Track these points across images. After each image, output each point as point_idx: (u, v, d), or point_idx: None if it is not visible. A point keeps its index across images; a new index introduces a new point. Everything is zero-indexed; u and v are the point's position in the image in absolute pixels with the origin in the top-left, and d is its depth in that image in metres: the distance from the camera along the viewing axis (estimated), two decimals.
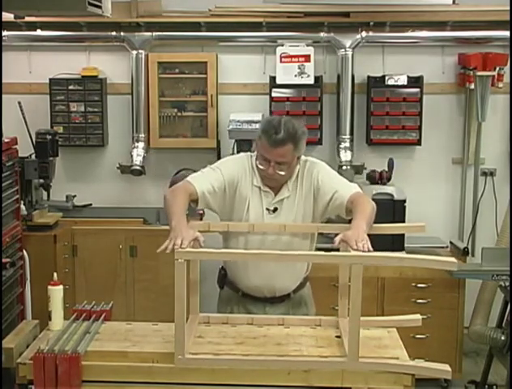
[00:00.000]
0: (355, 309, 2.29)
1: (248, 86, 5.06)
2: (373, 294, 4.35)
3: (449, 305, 4.41)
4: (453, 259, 2.40)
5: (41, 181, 4.43)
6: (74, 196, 4.94)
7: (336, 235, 2.66)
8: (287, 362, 2.35)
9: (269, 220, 2.83)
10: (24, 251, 4.02)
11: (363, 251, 2.39)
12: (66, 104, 4.98)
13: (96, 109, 5.00)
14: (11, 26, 4.76)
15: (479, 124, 4.99)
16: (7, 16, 4.11)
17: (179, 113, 5.02)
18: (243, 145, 4.47)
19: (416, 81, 4.88)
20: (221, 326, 2.65)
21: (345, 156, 4.89)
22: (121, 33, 4.91)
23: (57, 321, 2.58)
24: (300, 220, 2.84)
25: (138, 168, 4.94)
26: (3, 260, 3.60)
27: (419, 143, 4.93)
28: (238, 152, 4.38)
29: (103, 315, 2.64)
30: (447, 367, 2.35)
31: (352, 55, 4.87)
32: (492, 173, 5.11)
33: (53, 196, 4.59)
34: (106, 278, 4.68)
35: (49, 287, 2.58)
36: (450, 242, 4.72)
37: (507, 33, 4.65)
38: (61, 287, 2.59)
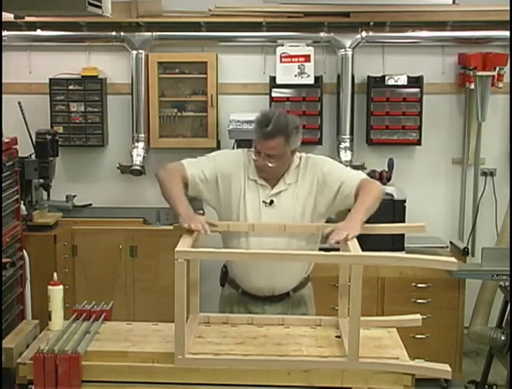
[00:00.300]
0: (355, 309, 2.29)
1: (248, 86, 5.06)
2: (373, 294, 4.35)
3: (449, 305, 4.41)
4: (453, 259, 2.40)
5: (41, 181, 4.43)
6: (74, 196, 4.94)
7: None
8: (287, 362, 2.35)
9: (265, 212, 2.83)
10: (24, 251, 4.02)
11: (336, 242, 2.52)
12: (66, 104, 4.98)
13: (96, 109, 5.00)
14: (11, 26, 4.76)
15: (479, 124, 4.99)
16: (7, 16, 4.11)
17: (179, 113, 5.02)
18: (243, 145, 4.44)
19: (416, 81, 4.88)
20: (221, 326, 2.65)
21: (345, 155, 4.89)
22: (121, 33, 4.91)
23: (57, 321, 2.58)
24: (299, 213, 2.83)
25: (138, 168, 4.94)
26: (3, 260, 3.60)
27: (419, 143, 4.93)
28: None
29: (103, 315, 2.64)
30: (447, 367, 2.35)
31: (352, 55, 4.87)
32: (492, 173, 5.11)
33: (53, 196, 4.59)
34: (106, 278, 4.68)
35: (49, 287, 2.58)
36: (450, 242, 4.72)
37: (507, 33, 4.65)
38: (61, 287, 2.59)
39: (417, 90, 4.87)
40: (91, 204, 5.02)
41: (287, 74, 4.82)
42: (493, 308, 4.49)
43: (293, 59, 4.82)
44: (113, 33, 4.91)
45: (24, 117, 4.59)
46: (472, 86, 4.82)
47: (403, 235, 4.35)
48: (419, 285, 4.38)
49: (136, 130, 5.00)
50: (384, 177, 4.56)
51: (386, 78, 4.88)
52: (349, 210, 2.78)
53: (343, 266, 2.65)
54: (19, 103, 4.65)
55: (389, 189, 4.47)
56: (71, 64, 5.01)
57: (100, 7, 3.24)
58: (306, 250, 2.85)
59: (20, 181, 4.10)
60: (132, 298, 4.71)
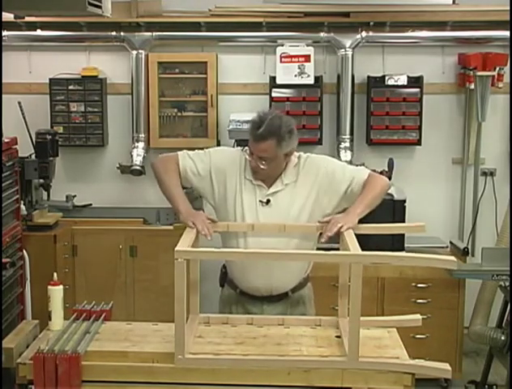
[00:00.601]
0: (355, 309, 2.29)
1: (248, 86, 5.07)
2: (373, 294, 4.35)
3: (449, 305, 4.41)
4: (452, 258, 2.40)
5: (41, 181, 4.43)
6: (74, 196, 4.94)
7: (337, 236, 2.68)
8: (287, 362, 2.35)
9: (262, 211, 2.83)
10: (24, 251, 4.02)
11: (327, 235, 2.62)
12: (66, 104, 4.98)
13: (96, 109, 5.00)
14: (11, 26, 4.76)
15: (479, 124, 4.99)
16: (7, 16, 4.11)
17: (179, 113, 5.02)
18: (243, 145, 4.44)
19: (416, 81, 4.88)
20: (221, 326, 2.65)
21: (345, 155, 4.89)
22: (121, 33, 4.91)
23: (57, 321, 2.58)
24: (297, 213, 2.83)
25: (138, 168, 4.94)
26: (3, 260, 3.60)
27: (419, 143, 4.93)
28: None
29: (103, 315, 2.64)
30: (447, 366, 2.35)
31: (352, 55, 4.87)
32: (492, 173, 5.11)
33: (53, 196, 4.59)
34: (106, 278, 4.68)
35: (49, 287, 2.58)
36: (450, 242, 4.72)
37: (507, 33, 4.65)
38: (61, 287, 2.59)
39: (417, 90, 4.87)
40: (91, 204, 5.02)
41: (287, 74, 4.82)
42: (493, 308, 4.49)
43: (293, 59, 4.82)
44: (113, 33, 4.91)
45: (24, 117, 4.59)
46: (472, 86, 4.82)
47: (403, 235, 4.35)
48: (419, 285, 4.38)
49: (136, 130, 5.00)
50: None
51: (386, 78, 4.88)
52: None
53: (343, 265, 2.65)
54: (19, 103, 4.65)
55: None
56: (71, 64, 5.01)
57: (100, 7, 3.24)
58: (305, 250, 2.85)
59: (20, 181, 4.10)
60: (132, 298, 4.71)
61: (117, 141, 5.14)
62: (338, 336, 2.55)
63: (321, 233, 2.76)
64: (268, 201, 2.84)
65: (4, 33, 4.82)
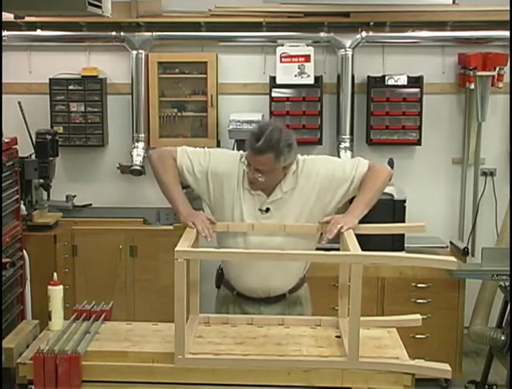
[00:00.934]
0: (355, 309, 2.29)
1: (248, 86, 5.06)
2: (373, 294, 4.35)
3: (449, 305, 4.41)
4: (452, 258, 2.40)
5: (41, 181, 4.43)
6: (74, 196, 4.94)
7: (337, 236, 2.68)
8: (287, 362, 2.35)
9: (262, 220, 2.81)
10: (24, 251, 4.02)
11: (328, 237, 2.62)
12: (66, 104, 4.98)
13: (96, 109, 5.00)
14: (11, 26, 4.76)
15: (479, 124, 4.99)
16: (7, 16, 4.11)
17: (179, 113, 5.02)
18: (243, 145, 4.43)
19: (416, 81, 4.88)
20: (221, 326, 2.64)
21: (345, 155, 4.89)
22: (121, 33, 4.91)
23: (57, 321, 2.58)
24: (295, 219, 2.81)
25: (138, 168, 4.94)
26: (3, 260, 3.60)
27: (419, 143, 4.93)
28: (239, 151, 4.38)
29: (103, 315, 2.64)
30: (447, 367, 2.34)
31: (352, 55, 4.87)
32: (492, 173, 5.11)
33: (53, 196, 4.59)
34: (106, 278, 4.68)
35: (49, 287, 2.58)
36: (450, 242, 4.72)
37: (507, 33, 4.65)
38: (61, 287, 2.59)
39: (417, 90, 4.87)
40: (91, 204, 5.02)
41: (287, 74, 4.82)
42: (493, 308, 4.49)
43: (293, 59, 4.82)
44: (113, 33, 4.91)
45: (24, 117, 4.59)
46: (472, 86, 4.82)
47: (403, 235, 4.35)
48: (419, 285, 4.38)
49: (136, 130, 5.00)
50: None
51: (386, 78, 4.88)
52: (350, 201, 2.80)
53: (343, 265, 2.65)
54: (19, 103, 4.65)
55: (389, 189, 4.46)
56: (71, 64, 5.01)
57: (100, 7, 3.24)
58: (304, 250, 2.84)
59: (20, 181, 4.10)
60: (132, 298, 4.71)
61: (117, 141, 5.14)
62: (338, 336, 2.55)
63: (321, 234, 2.76)
64: (268, 209, 2.81)
65: (4, 33, 4.82)
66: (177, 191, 2.83)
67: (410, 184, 4.85)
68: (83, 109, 4.99)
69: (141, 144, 4.99)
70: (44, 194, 4.51)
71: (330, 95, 5.00)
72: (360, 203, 2.76)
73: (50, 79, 4.95)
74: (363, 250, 2.41)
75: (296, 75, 4.83)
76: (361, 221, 2.75)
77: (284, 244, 2.79)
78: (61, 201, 4.86)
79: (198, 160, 2.85)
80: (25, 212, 4.27)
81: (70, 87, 4.98)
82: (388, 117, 4.89)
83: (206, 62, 4.92)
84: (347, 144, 4.92)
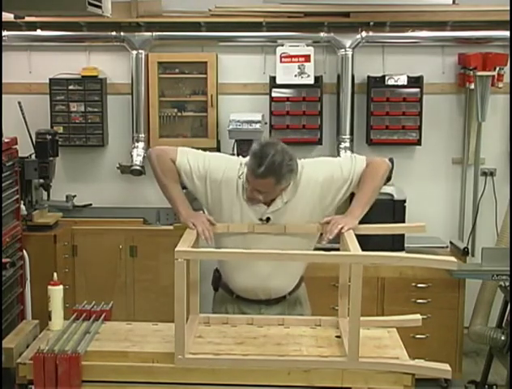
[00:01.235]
0: (355, 309, 2.29)
1: (248, 86, 5.06)
2: (373, 294, 4.35)
3: (449, 305, 4.41)
4: (452, 258, 2.40)
5: (41, 181, 4.43)
6: (74, 196, 4.94)
7: (337, 236, 2.68)
8: (287, 362, 2.35)
9: (263, 229, 2.79)
10: (24, 251, 4.02)
11: (328, 238, 2.62)
12: (66, 104, 4.98)
13: (96, 109, 5.00)
14: (11, 26, 4.76)
15: (479, 124, 4.99)
16: (7, 16, 4.11)
17: (179, 113, 5.02)
18: (243, 145, 4.47)
19: (416, 81, 4.88)
20: (221, 326, 2.65)
21: (345, 155, 4.88)
22: (121, 33, 4.91)
23: (57, 321, 2.58)
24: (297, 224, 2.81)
25: (138, 168, 4.94)
26: (3, 260, 3.60)
27: (419, 143, 4.93)
28: (238, 153, 4.38)
29: (103, 315, 2.64)
30: (447, 367, 2.35)
31: (352, 55, 4.87)
32: (492, 173, 5.11)
33: (53, 196, 4.59)
34: (106, 278, 4.68)
35: (49, 287, 2.58)
36: (450, 242, 4.72)
37: (507, 33, 4.65)
38: (61, 287, 2.59)
39: (417, 90, 4.87)
40: (91, 204, 5.02)
41: (287, 74, 4.82)
42: (493, 308, 4.49)
43: (293, 59, 4.82)
44: (113, 33, 4.91)
45: (24, 117, 4.59)
46: (472, 86, 4.82)
47: (403, 235, 4.35)
48: (419, 285, 4.38)
49: (136, 130, 4.99)
50: None
51: (386, 78, 4.88)
52: (350, 200, 2.79)
53: (343, 266, 2.65)
54: (19, 103, 4.65)
55: (389, 189, 4.46)
56: (71, 64, 5.01)
57: (100, 7, 3.24)
58: (304, 250, 2.84)
59: (20, 181, 4.10)
60: (132, 298, 4.71)
61: (117, 141, 5.14)
62: (338, 336, 2.55)
63: (321, 234, 2.76)
64: (268, 219, 2.79)
65: (4, 33, 4.82)
66: (176, 192, 2.83)
67: (410, 184, 4.85)
68: (83, 109, 4.99)
69: (141, 144, 4.99)
70: (44, 194, 4.51)
71: (330, 95, 5.00)
72: (360, 202, 2.76)
73: (50, 79, 4.95)
74: (363, 250, 2.42)
75: (296, 75, 4.83)
76: (361, 221, 2.75)
77: (284, 245, 2.78)
78: (61, 201, 4.86)
79: (197, 166, 2.80)
80: (25, 212, 4.27)
81: (70, 87, 4.98)
82: (388, 117, 4.89)
83: (206, 62, 4.92)
84: (347, 144, 4.92)
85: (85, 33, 4.96)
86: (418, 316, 2.74)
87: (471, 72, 4.78)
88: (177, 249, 2.33)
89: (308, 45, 4.84)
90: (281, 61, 4.82)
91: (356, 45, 4.87)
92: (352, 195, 2.86)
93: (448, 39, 4.92)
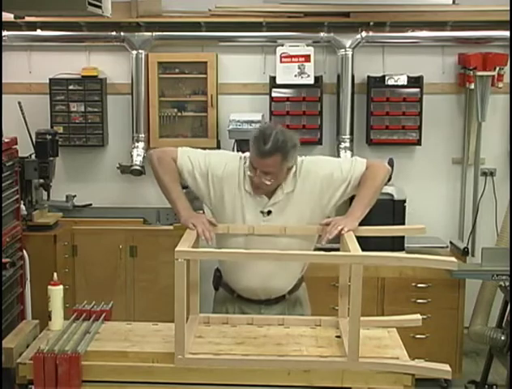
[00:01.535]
0: (355, 309, 2.29)
1: (248, 86, 5.06)
2: (373, 294, 4.35)
3: (449, 305, 4.41)
4: (453, 259, 2.40)
5: (41, 181, 4.42)
6: (74, 196, 4.94)
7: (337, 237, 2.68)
8: (287, 362, 2.35)
9: (263, 222, 2.81)
10: (24, 251, 4.02)
11: (327, 238, 2.61)
12: (66, 104, 4.98)
13: (96, 109, 5.00)
14: (11, 26, 4.76)
15: (479, 124, 4.99)
16: (7, 16, 4.11)
17: (179, 113, 5.02)
18: (243, 145, 4.46)
19: (416, 81, 4.88)
20: (221, 326, 2.65)
21: (345, 156, 4.88)
22: (121, 33, 4.91)
23: (57, 321, 2.58)
24: (296, 221, 2.82)
25: (138, 168, 4.94)
26: (3, 260, 3.60)
27: (419, 143, 4.93)
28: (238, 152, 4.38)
29: (103, 315, 2.64)
30: (447, 367, 2.35)
31: (352, 55, 4.87)
32: (492, 173, 5.11)
33: (53, 196, 4.59)
34: (106, 278, 4.68)
35: (49, 287, 2.58)
36: (450, 242, 4.72)
37: (507, 33, 4.65)
38: (61, 287, 2.59)
39: (417, 90, 4.87)
40: (91, 204, 5.02)
41: (287, 74, 4.82)
42: (493, 308, 4.49)
43: (293, 59, 4.82)
44: (113, 33, 4.91)
45: (24, 117, 4.59)
46: (472, 86, 4.83)
47: (403, 235, 4.35)
48: (419, 285, 4.38)
49: (136, 130, 5.00)
50: None
51: (386, 78, 4.88)
52: (350, 202, 2.79)
53: (343, 266, 2.65)
54: (19, 103, 4.65)
55: (389, 189, 4.46)
56: (71, 64, 5.01)
57: (100, 7, 3.24)
58: (304, 250, 2.84)
59: (20, 181, 4.10)
60: (132, 298, 4.71)
61: (117, 141, 5.14)
62: (338, 336, 2.55)
63: (320, 235, 2.76)
64: (269, 212, 2.81)
65: (4, 33, 4.82)
66: (177, 192, 2.83)
67: (410, 184, 4.85)
68: (83, 108, 4.99)
69: (141, 144, 4.99)
70: (44, 194, 4.51)
71: (330, 95, 5.00)
72: (361, 204, 2.75)
73: (50, 79, 4.95)
74: (363, 250, 2.42)
75: (296, 75, 4.83)
76: (361, 221, 2.75)
77: (284, 245, 2.79)
78: (61, 201, 4.86)
79: (198, 163, 2.83)
80: (25, 212, 4.27)
81: (70, 87, 4.98)
82: (388, 117, 4.89)
83: (206, 62, 4.92)
84: (347, 144, 4.92)
85: (85, 33, 4.96)
86: (418, 316, 2.74)
87: (471, 72, 4.78)
88: (177, 249, 2.33)
89: (308, 45, 4.84)
90: (281, 61, 4.82)
91: (356, 45, 4.87)
92: (352, 198, 2.86)
93: (448, 39, 4.92)
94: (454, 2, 4.82)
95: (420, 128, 4.90)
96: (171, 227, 4.64)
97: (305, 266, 2.97)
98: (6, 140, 3.80)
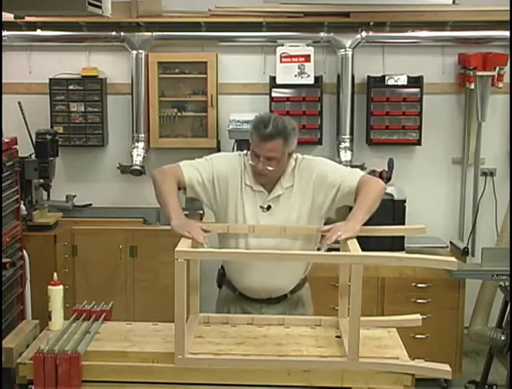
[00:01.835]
0: (355, 309, 2.29)
1: (248, 86, 5.07)
2: (373, 294, 4.35)
3: (449, 305, 4.41)
4: (453, 259, 2.40)
5: (41, 181, 4.42)
6: (74, 196, 4.94)
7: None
8: (287, 362, 2.35)
9: (263, 218, 2.82)
10: (24, 251, 4.02)
11: (327, 243, 2.56)
12: (66, 104, 4.99)
13: (96, 109, 5.01)
14: (11, 26, 4.77)
15: (479, 124, 4.99)
16: (7, 16, 4.11)
17: (179, 113, 5.02)
18: (243, 145, 4.45)
19: (416, 81, 4.88)
20: (221, 326, 2.65)
21: (345, 156, 4.89)
22: (121, 33, 4.91)
23: (57, 321, 2.58)
24: (295, 217, 2.82)
25: (138, 168, 4.94)
26: (3, 260, 3.60)
27: (419, 143, 4.93)
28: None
29: (103, 315, 2.64)
30: (447, 367, 2.34)
31: (352, 55, 4.87)
32: (492, 173, 5.11)
33: (53, 196, 4.59)
34: (106, 278, 4.68)
35: (49, 287, 2.58)
36: (450, 242, 4.72)
37: (507, 33, 4.65)
38: (61, 287, 2.59)
39: (417, 90, 4.87)
40: (91, 204, 5.03)
41: (287, 74, 4.83)
42: (493, 308, 4.49)
43: (293, 59, 4.82)
44: (113, 33, 4.91)
45: (24, 117, 4.59)
46: (472, 86, 4.83)
47: (403, 235, 4.34)
48: (419, 285, 4.38)
49: (136, 130, 5.00)
50: (384, 177, 4.56)
51: (386, 78, 4.88)
52: (350, 208, 2.78)
53: (343, 266, 2.65)
54: (19, 103, 4.65)
55: (389, 189, 4.45)
56: (71, 64, 5.01)
57: (100, 7, 3.24)
58: (305, 250, 2.84)
59: (20, 181, 4.10)
60: (132, 298, 4.71)
61: (117, 141, 5.14)
62: (338, 336, 2.55)
63: (322, 236, 2.74)
64: (269, 207, 2.83)
65: (4, 33, 4.82)
66: (171, 200, 2.72)
67: (410, 184, 4.85)
68: (83, 109, 5.00)
69: (141, 144, 5.00)
70: (44, 194, 4.51)
71: (330, 95, 5.00)
72: (362, 209, 2.69)
73: (50, 79, 4.95)
74: (363, 250, 2.42)
75: (296, 75, 4.83)
76: None
77: (285, 245, 2.80)
78: (61, 201, 4.86)
79: (203, 169, 2.84)
80: (25, 212, 4.27)
81: (70, 87, 4.98)
82: (388, 117, 4.89)
83: (206, 62, 4.92)
84: (347, 144, 4.92)
85: (85, 33, 4.97)
86: (418, 316, 2.74)
87: (471, 72, 4.78)
88: (177, 249, 2.33)
89: (308, 45, 4.85)
90: (281, 61, 4.82)
91: (356, 45, 4.87)
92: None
93: (448, 39, 4.92)
94: (454, 2, 4.83)
95: (420, 128, 4.90)
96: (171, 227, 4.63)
97: (308, 266, 2.97)
98: (6, 140, 3.80)
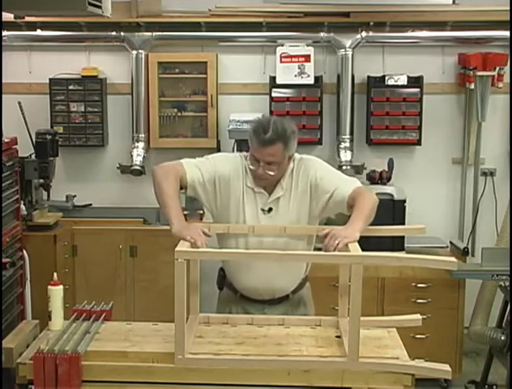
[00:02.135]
0: (355, 309, 2.29)
1: (248, 86, 5.07)
2: (373, 294, 4.35)
3: (449, 305, 4.41)
4: (453, 259, 2.40)
5: (41, 181, 4.42)
6: (74, 196, 4.94)
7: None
8: (287, 362, 2.35)
9: (264, 220, 2.82)
10: (24, 251, 4.02)
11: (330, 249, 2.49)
12: (66, 104, 4.99)
13: (96, 109, 5.00)
14: (11, 26, 4.77)
15: (479, 124, 4.99)
16: (7, 16, 4.11)
17: (179, 113, 5.02)
18: (243, 145, 4.46)
19: (416, 81, 4.88)
20: (221, 326, 2.65)
21: (345, 156, 4.89)
22: (121, 33, 4.91)
23: (57, 321, 2.58)
24: (295, 219, 2.82)
25: (138, 168, 4.94)
26: (3, 260, 3.60)
27: (419, 143, 4.93)
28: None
29: (103, 315, 2.64)
30: (447, 367, 2.35)
31: (352, 55, 4.87)
32: (492, 173, 5.11)
33: (53, 196, 4.59)
34: (106, 278, 4.68)
35: (49, 287, 2.58)
36: (450, 242, 4.72)
37: (507, 33, 4.65)
38: (61, 287, 2.59)
39: (417, 90, 4.87)
40: (91, 204, 5.03)
41: (287, 74, 4.83)
42: (493, 308, 4.49)
43: (293, 59, 4.82)
44: (113, 33, 4.91)
45: (24, 117, 4.59)
46: (472, 86, 4.83)
47: (403, 235, 4.35)
48: (419, 285, 4.38)
49: (136, 130, 5.00)
50: (384, 177, 4.57)
51: (386, 78, 4.88)
52: (349, 216, 2.76)
53: (343, 266, 2.65)
54: (19, 103, 4.65)
55: (389, 189, 4.47)
56: (71, 64, 5.01)
57: (100, 7, 3.24)
58: (305, 250, 2.84)
59: (20, 181, 4.10)
60: (132, 298, 4.71)
61: (117, 141, 5.14)
62: (338, 336, 2.55)
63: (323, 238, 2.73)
64: (270, 209, 2.82)
65: (4, 33, 4.82)
66: (172, 201, 2.67)
67: (410, 184, 4.85)
68: (83, 109, 5.00)
69: (141, 144, 5.00)
70: (44, 194, 4.51)
71: (330, 95, 5.00)
72: (361, 214, 2.65)
73: (50, 79, 4.95)
74: (363, 250, 2.42)
75: (296, 75, 4.83)
76: None
77: (285, 245, 2.79)
78: (61, 201, 4.86)
79: (206, 169, 2.81)
80: (25, 212, 4.27)
81: (70, 87, 4.98)
82: (388, 117, 4.89)
83: (206, 62, 4.92)
84: (347, 144, 4.92)
85: (85, 33, 4.97)
86: (418, 316, 2.74)
87: (471, 72, 4.78)
88: (177, 249, 2.33)
89: (308, 45, 4.85)
90: (281, 61, 4.82)
91: (356, 45, 4.87)
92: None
93: (448, 39, 4.92)
94: (454, 2, 4.83)
95: (420, 128, 4.90)
96: None
97: (308, 266, 2.97)
98: (6, 140, 3.80)
